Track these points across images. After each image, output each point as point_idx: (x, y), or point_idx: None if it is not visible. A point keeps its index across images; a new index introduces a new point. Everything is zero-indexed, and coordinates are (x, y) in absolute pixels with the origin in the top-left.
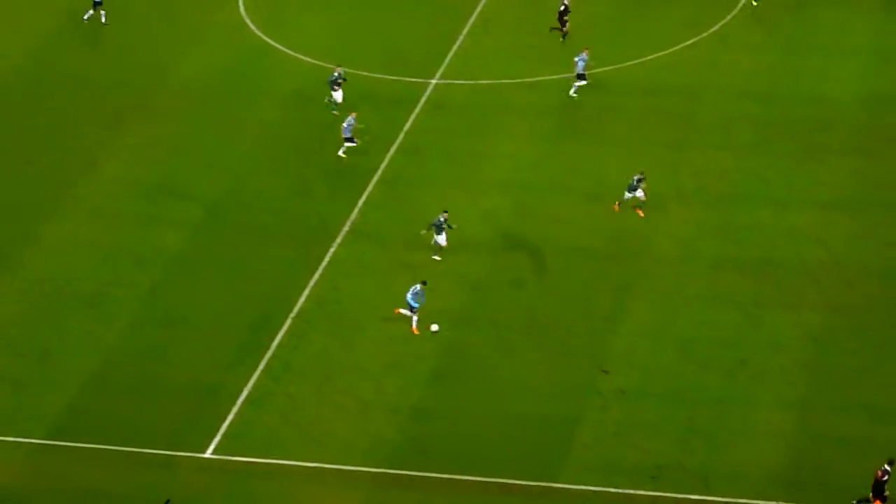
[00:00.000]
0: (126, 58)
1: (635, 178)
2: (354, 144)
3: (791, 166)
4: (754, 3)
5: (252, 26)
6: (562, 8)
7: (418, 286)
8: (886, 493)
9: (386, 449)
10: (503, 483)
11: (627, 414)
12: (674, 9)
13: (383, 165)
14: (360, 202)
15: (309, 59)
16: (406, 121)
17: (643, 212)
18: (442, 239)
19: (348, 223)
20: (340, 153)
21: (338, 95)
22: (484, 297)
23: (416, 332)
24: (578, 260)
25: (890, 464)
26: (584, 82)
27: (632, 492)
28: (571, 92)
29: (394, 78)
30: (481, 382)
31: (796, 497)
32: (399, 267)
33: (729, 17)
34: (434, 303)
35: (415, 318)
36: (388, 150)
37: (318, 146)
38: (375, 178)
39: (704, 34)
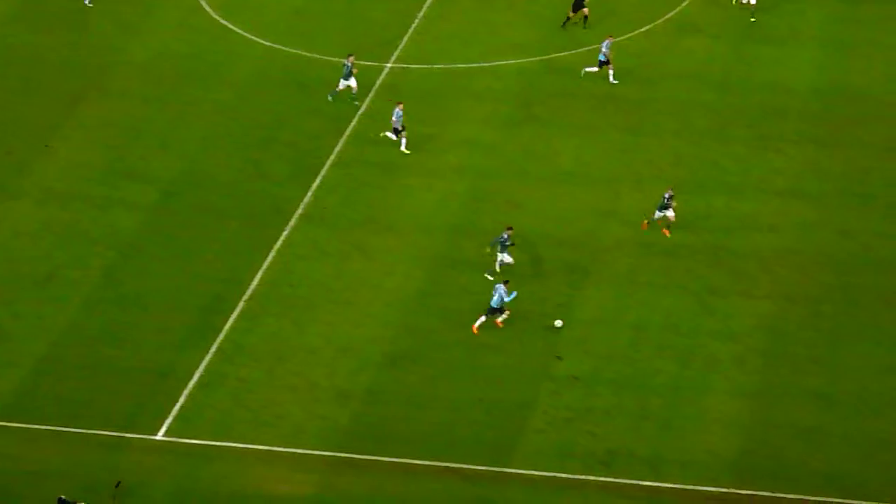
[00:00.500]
0: (80, 40)
1: (666, 195)
2: (402, 135)
3: (746, 154)
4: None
5: (208, 8)
6: None
7: (502, 286)
8: None
9: (338, 432)
10: (456, 468)
11: (580, 400)
12: None
13: (338, 149)
14: (315, 185)
15: (265, 42)
16: (361, 104)
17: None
18: (507, 257)
19: (302, 206)
20: (403, 149)
21: (350, 83)
22: (438, 281)
23: (477, 332)
24: (533, 245)
25: None
26: (610, 69)
27: (583, 477)
28: (611, 80)
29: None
30: (434, 366)
31: (748, 484)
32: (352, 250)
33: (685, 4)
34: (388, 285)
35: (483, 319)
36: (342, 133)
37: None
38: (330, 162)
39: (660, 20)
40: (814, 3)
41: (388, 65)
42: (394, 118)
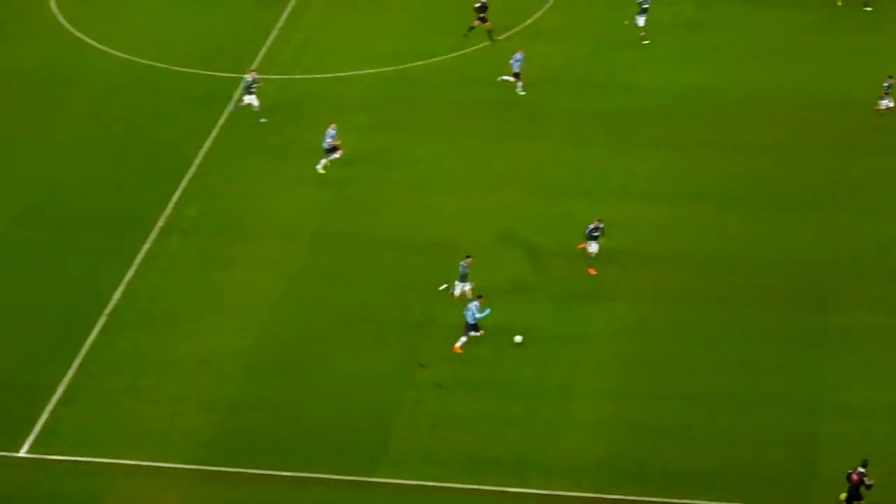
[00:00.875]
0: None
1: (590, 227)
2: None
3: (605, 157)
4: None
5: (63, 21)
6: (478, 5)
7: (477, 303)
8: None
9: (202, 445)
10: (321, 478)
11: (444, 407)
12: (489, 2)
13: (197, 160)
14: (175, 196)
15: (120, 54)
16: (220, 116)
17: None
18: (467, 286)
19: (162, 218)
20: (519, 90)
21: (251, 99)
22: (300, 289)
23: (459, 350)
24: (395, 252)
25: (864, 465)
26: (519, 81)
27: (448, 484)
28: (519, 91)
29: (207, 73)
30: (298, 376)
31: (612, 487)
32: (213, 261)
33: (542, 11)
34: (250, 295)
35: (464, 339)
36: (202, 144)
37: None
38: (189, 173)
39: (518, 27)
40: (668, 4)
41: (247, 76)
42: (327, 139)
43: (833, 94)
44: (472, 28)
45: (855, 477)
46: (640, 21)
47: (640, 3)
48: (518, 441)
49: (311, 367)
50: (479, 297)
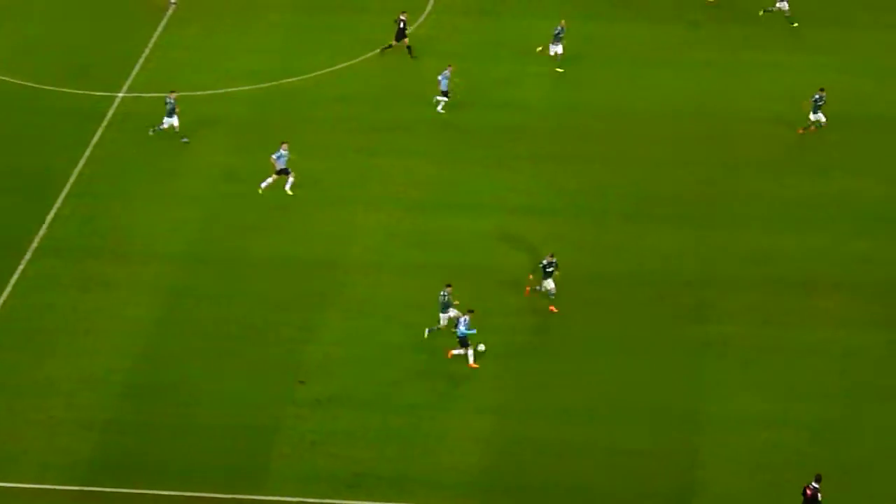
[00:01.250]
0: None
1: (543, 262)
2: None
3: (482, 172)
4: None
5: None
6: (401, 25)
7: (467, 317)
8: None
9: (82, 466)
10: (203, 497)
11: (325, 423)
12: (363, 16)
13: (72, 180)
14: (49, 217)
15: None
16: (94, 134)
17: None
18: (452, 311)
19: (37, 238)
20: (439, 109)
21: (172, 121)
22: (177, 309)
23: (475, 366)
24: (272, 270)
25: (818, 480)
26: (446, 99)
27: (330, 501)
28: (439, 109)
29: (80, 92)
30: (177, 395)
31: (494, 500)
32: (90, 281)
33: (415, 26)
34: (127, 315)
35: (470, 352)
36: (76, 164)
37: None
38: (64, 193)
39: (395, 42)
40: (546, 19)
41: (120, 94)
42: (276, 158)
43: (711, 108)
44: (389, 46)
45: (809, 492)
46: (557, 49)
47: (556, 33)
48: (399, 456)
49: (191, 387)
50: (471, 311)
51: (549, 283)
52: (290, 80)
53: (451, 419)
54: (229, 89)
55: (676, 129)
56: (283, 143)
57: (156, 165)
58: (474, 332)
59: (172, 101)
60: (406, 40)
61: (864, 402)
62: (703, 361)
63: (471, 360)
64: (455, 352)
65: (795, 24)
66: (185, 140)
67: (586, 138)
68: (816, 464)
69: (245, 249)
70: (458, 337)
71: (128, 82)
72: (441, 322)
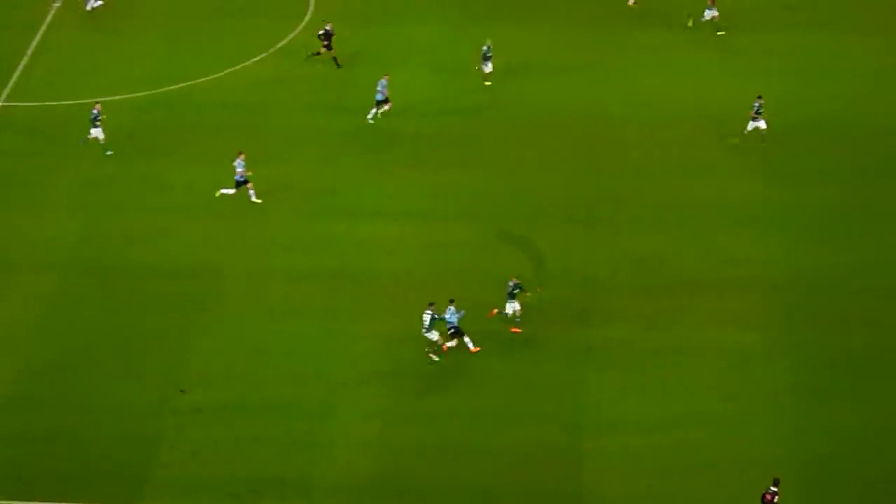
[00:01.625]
0: None
1: (509, 284)
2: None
3: (361, 179)
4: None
5: None
6: (321, 32)
7: (452, 307)
8: None
9: None
10: None
11: (204, 432)
12: (243, 23)
13: None
14: None
15: None
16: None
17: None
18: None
19: None
20: (369, 118)
21: (97, 133)
22: (57, 319)
23: (477, 349)
24: (154, 277)
25: (776, 484)
26: (386, 107)
27: None
28: (369, 117)
29: None
30: (58, 404)
31: None
32: None
33: (295, 32)
34: (7, 324)
35: (467, 339)
36: None
37: None
38: None
39: (273, 49)
40: (422, 24)
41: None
42: (237, 168)
43: (592, 111)
44: (317, 54)
45: (768, 497)
46: (487, 68)
47: (485, 52)
48: (282, 464)
49: (71, 398)
50: (451, 300)
51: (515, 305)
52: (170, 87)
53: (336, 425)
54: (108, 98)
55: (559, 131)
56: (239, 153)
57: (34, 174)
58: (463, 312)
59: (95, 112)
60: (332, 51)
61: (746, 400)
62: (587, 365)
63: (470, 346)
64: (450, 344)
65: (722, 33)
66: (110, 153)
67: (472, 143)
68: (699, 464)
69: (126, 258)
70: (452, 328)
71: (5, 92)
72: (434, 337)
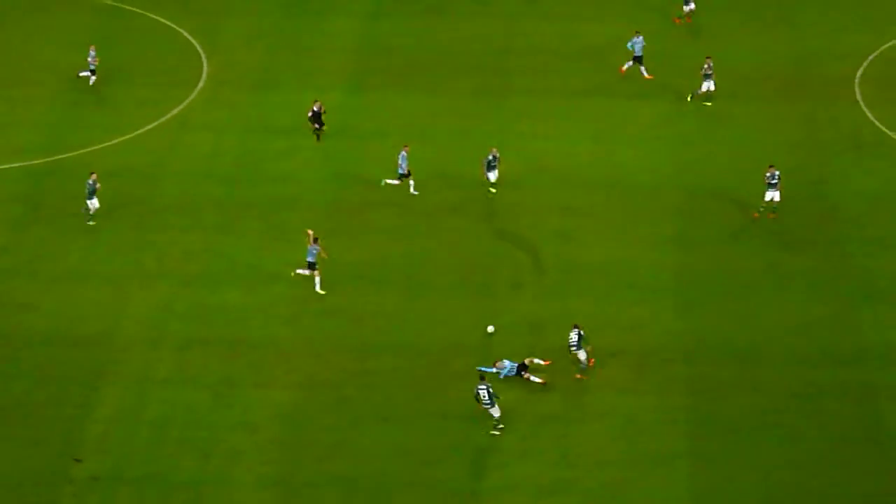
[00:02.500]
0: None
1: (571, 334)
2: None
3: (258, 245)
4: (707, 104)
5: None
6: (310, 114)
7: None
8: None
9: None
10: None
11: (102, 501)
12: (134, 91)
13: None
14: None
15: None
16: None
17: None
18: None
19: None
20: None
21: (94, 202)
22: None
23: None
24: (49, 346)
25: None
26: (409, 179)
27: None
28: (386, 182)
29: None
30: None
31: None
32: None
33: (188, 100)
34: None
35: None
36: None
37: None
38: None
39: (166, 117)
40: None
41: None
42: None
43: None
44: (318, 136)
45: None
46: (491, 176)
47: (489, 162)
48: None
49: None
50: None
51: (581, 355)
52: (64, 155)
53: (233, 494)
54: (2, 165)
55: (453, 196)
56: (313, 237)
57: None
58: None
59: (92, 182)
60: (323, 127)
61: (641, 467)
62: (484, 430)
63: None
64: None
65: (709, 104)
66: (92, 223)
67: (362, 210)
68: None
69: (20, 326)
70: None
71: None
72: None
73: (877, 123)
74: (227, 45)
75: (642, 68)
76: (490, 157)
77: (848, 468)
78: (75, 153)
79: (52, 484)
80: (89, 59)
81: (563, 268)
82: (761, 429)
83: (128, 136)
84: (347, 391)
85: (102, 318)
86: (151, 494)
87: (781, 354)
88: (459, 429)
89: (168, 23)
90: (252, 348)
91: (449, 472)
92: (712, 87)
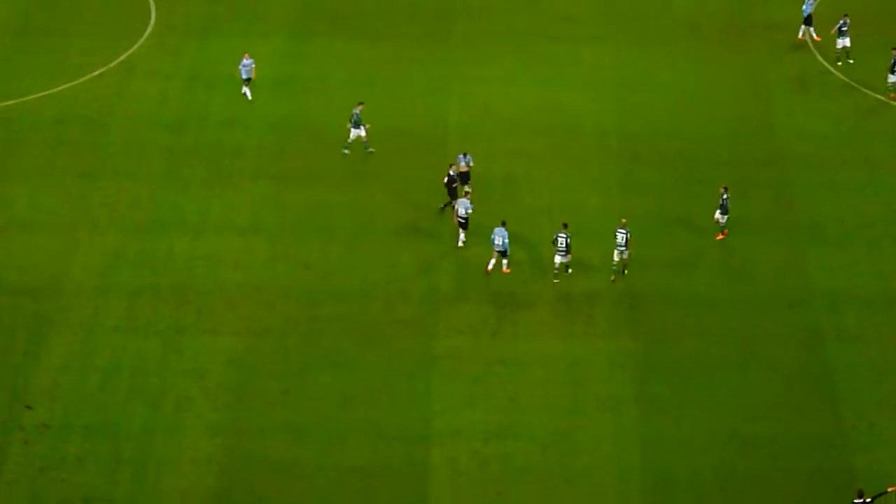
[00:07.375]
0: None
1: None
2: None
3: (205, 193)
4: (850, 61)
5: None
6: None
7: (502, 228)
8: None
9: None
10: None
11: (53, 448)
12: (78, 38)
13: None
14: None
15: None
16: None
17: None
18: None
19: None
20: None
21: None
22: None
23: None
24: None
25: (860, 496)
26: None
27: None
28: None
29: None
30: None
31: None
32: None
33: (135, 47)
34: None
35: (505, 261)
36: None
37: None
38: None
39: (112, 63)
40: (264, 36)
41: None
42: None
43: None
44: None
45: None
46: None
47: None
48: (130, 480)
49: None
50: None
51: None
52: (6, 103)
53: (182, 441)
54: None
55: (395, 144)
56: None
57: None
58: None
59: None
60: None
61: (589, 411)
62: (431, 375)
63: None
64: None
65: (851, 61)
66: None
67: (309, 156)
68: (544, 475)
69: None
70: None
71: None
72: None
73: (824, 63)
74: None
75: (811, 29)
76: (354, 114)
77: (794, 411)
78: (17, 101)
79: (2, 431)
80: None
81: (508, 212)
82: (708, 372)
83: (75, 83)
84: (295, 338)
85: (50, 266)
86: (101, 443)
87: (727, 298)
88: (407, 374)
89: None
90: (200, 295)
91: (397, 418)
92: (847, 44)
